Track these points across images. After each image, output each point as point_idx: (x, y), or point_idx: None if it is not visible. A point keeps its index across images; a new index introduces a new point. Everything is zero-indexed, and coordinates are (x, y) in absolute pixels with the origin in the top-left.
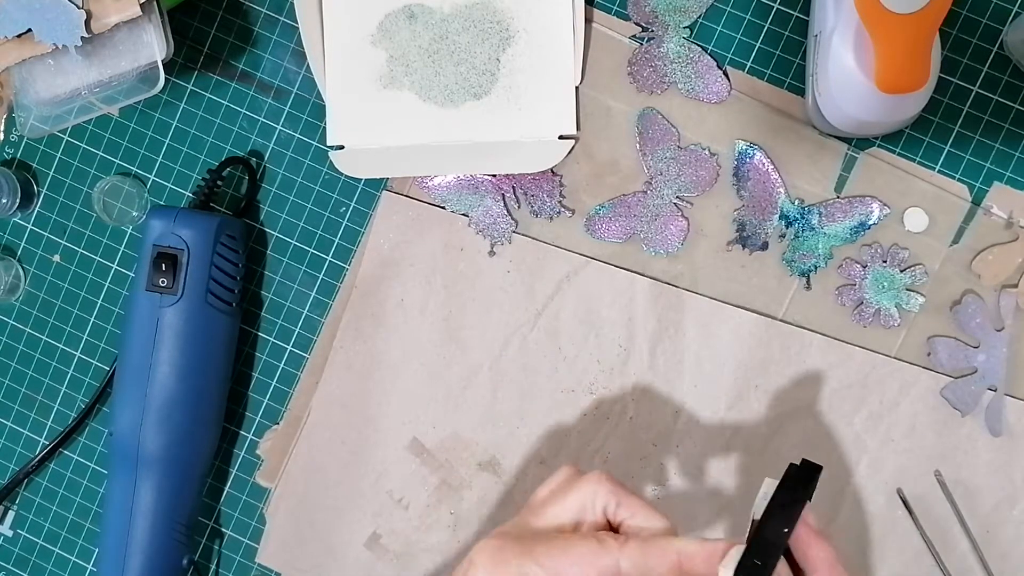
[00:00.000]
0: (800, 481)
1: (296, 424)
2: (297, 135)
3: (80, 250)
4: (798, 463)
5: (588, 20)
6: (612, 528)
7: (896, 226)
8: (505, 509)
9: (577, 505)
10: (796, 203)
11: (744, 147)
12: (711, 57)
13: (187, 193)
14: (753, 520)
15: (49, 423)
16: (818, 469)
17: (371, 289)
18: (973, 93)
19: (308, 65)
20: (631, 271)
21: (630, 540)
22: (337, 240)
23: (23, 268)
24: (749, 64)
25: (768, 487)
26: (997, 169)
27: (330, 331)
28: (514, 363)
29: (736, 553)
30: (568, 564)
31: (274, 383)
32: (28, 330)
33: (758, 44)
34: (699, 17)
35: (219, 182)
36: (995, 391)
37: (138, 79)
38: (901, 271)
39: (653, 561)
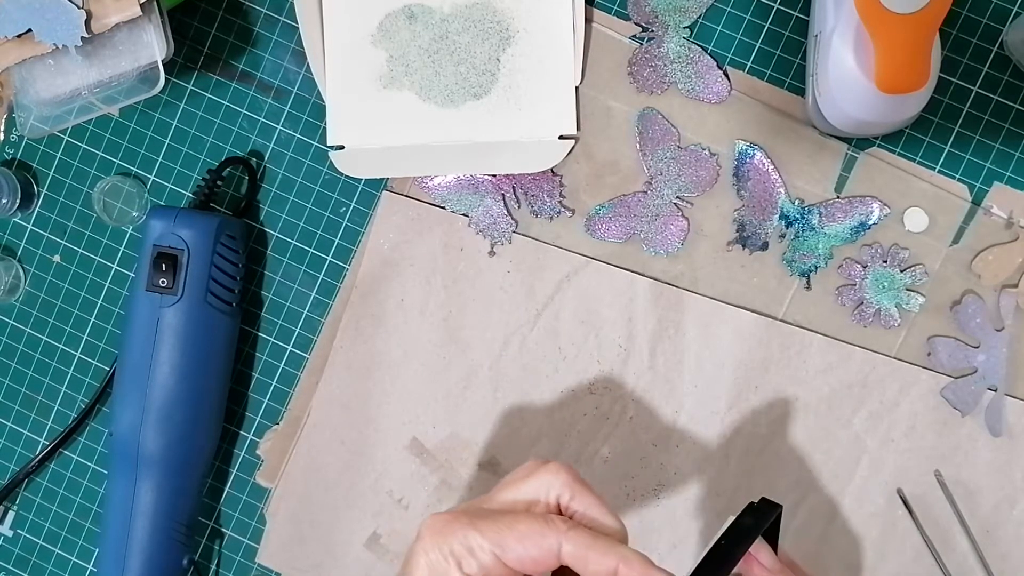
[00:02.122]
0: (755, 519)
1: (296, 424)
2: (297, 135)
3: (80, 250)
4: (756, 501)
5: (588, 20)
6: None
7: (896, 226)
8: None
9: (532, 492)
10: (796, 203)
11: (744, 147)
12: (711, 57)
13: (187, 193)
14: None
15: (49, 423)
16: (773, 507)
17: (371, 289)
18: (973, 93)
19: (308, 65)
20: (631, 271)
21: (578, 527)
22: (337, 240)
23: (23, 268)
24: (749, 64)
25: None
26: (997, 169)
27: (330, 331)
28: (514, 363)
29: None
30: (512, 539)
31: (274, 383)
32: (28, 330)
33: (758, 44)
34: (699, 17)
35: (219, 182)
36: (995, 391)
37: (138, 79)
38: (901, 271)
39: (594, 555)
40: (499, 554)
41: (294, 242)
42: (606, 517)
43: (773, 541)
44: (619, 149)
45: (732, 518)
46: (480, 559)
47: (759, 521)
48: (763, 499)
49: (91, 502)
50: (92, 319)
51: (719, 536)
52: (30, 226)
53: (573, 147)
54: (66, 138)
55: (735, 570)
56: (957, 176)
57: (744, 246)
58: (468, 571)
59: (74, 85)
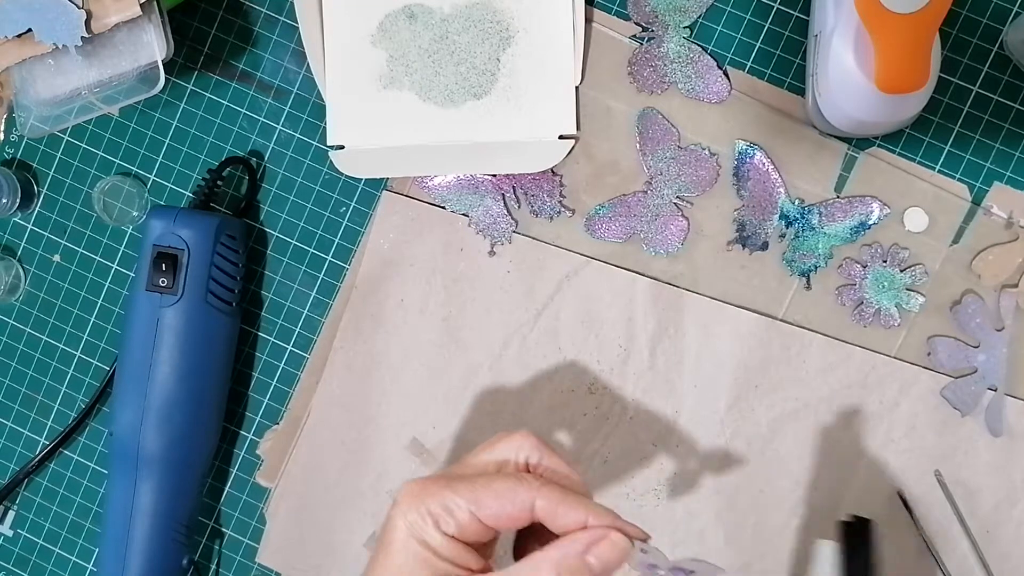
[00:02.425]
0: (859, 540)
1: (296, 424)
2: (297, 135)
3: (80, 250)
4: (846, 519)
5: (588, 20)
6: None
7: (896, 226)
8: None
9: (502, 454)
10: (796, 203)
11: (744, 147)
12: (711, 57)
13: (187, 193)
14: None
15: (49, 423)
16: (868, 524)
17: (371, 289)
18: (973, 93)
19: (308, 65)
20: (631, 271)
21: (550, 483)
22: (337, 240)
23: (23, 268)
24: (749, 64)
25: (826, 552)
26: (997, 169)
27: (330, 331)
28: (514, 363)
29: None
30: (488, 497)
31: (274, 383)
32: (28, 330)
33: (758, 44)
34: (699, 17)
35: (219, 182)
36: (995, 391)
37: (138, 79)
38: (901, 271)
39: (564, 509)
40: (475, 511)
41: (294, 242)
42: (573, 476)
43: (867, 557)
44: (619, 149)
45: (823, 542)
46: (457, 518)
47: (865, 541)
48: (855, 516)
49: (91, 502)
50: (92, 319)
51: (843, 565)
52: (30, 226)
53: (573, 147)
54: (66, 138)
55: None
56: (957, 176)
57: (744, 246)
58: (446, 530)
59: (74, 85)
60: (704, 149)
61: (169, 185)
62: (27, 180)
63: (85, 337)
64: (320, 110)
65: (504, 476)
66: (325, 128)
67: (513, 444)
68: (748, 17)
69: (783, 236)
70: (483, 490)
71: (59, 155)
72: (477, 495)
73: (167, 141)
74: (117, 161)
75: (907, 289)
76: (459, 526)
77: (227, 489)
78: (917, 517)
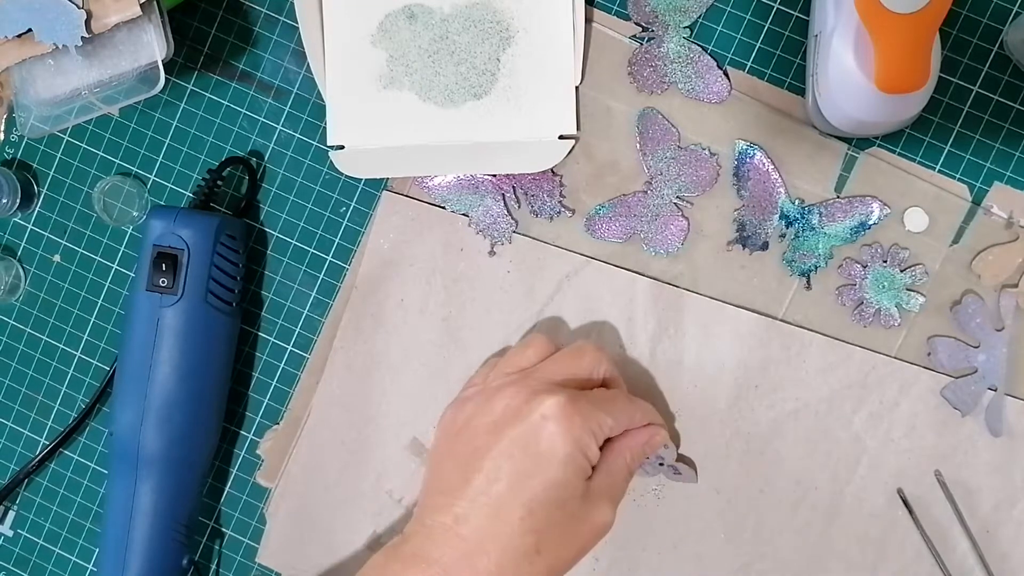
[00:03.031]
0: None
1: (296, 424)
2: (297, 135)
3: (80, 250)
4: None
5: (588, 20)
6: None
7: (896, 226)
8: None
9: (586, 371)
10: (796, 203)
11: (744, 147)
12: (711, 57)
13: (187, 193)
14: None
15: (49, 423)
16: None
17: (371, 289)
18: (973, 93)
19: (308, 65)
20: (631, 271)
21: (637, 399)
22: (337, 240)
23: (23, 268)
24: (749, 64)
25: None
26: (997, 169)
27: (330, 331)
28: None
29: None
30: (622, 416)
31: (274, 383)
32: (28, 330)
33: (758, 44)
34: (699, 17)
35: (219, 182)
36: (995, 391)
37: (138, 79)
38: (901, 271)
39: (646, 418)
40: (614, 427)
41: (294, 242)
42: (622, 382)
43: None
44: (619, 149)
45: None
46: (605, 432)
47: None
48: None
49: (91, 502)
50: (92, 319)
51: None
52: (30, 226)
53: (573, 147)
54: (66, 138)
55: None
56: (957, 176)
57: (744, 246)
58: (599, 443)
59: (74, 85)
60: (704, 149)
61: (169, 185)
62: (27, 180)
63: (85, 337)
64: (320, 110)
65: (624, 395)
66: (325, 128)
67: (595, 359)
68: (748, 17)
69: (783, 236)
70: (615, 409)
71: (59, 155)
72: (615, 415)
73: (167, 141)
74: (117, 161)
75: (907, 289)
76: (604, 438)
77: (227, 489)
78: (917, 517)
